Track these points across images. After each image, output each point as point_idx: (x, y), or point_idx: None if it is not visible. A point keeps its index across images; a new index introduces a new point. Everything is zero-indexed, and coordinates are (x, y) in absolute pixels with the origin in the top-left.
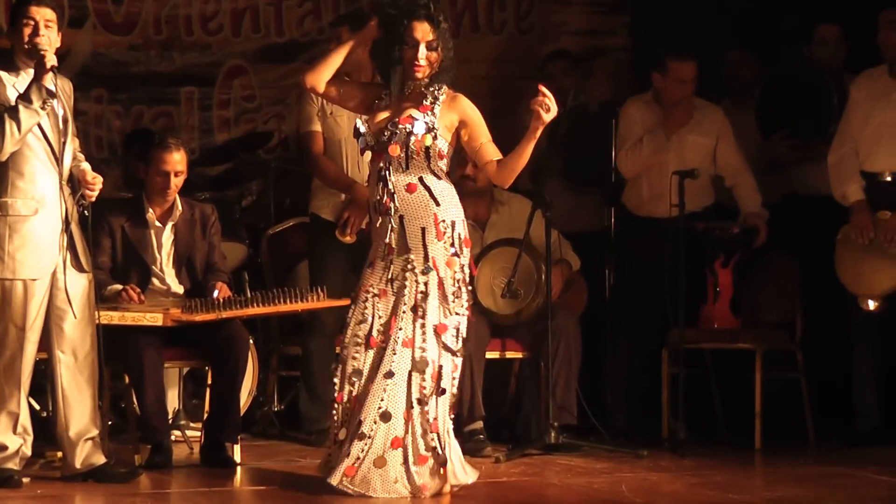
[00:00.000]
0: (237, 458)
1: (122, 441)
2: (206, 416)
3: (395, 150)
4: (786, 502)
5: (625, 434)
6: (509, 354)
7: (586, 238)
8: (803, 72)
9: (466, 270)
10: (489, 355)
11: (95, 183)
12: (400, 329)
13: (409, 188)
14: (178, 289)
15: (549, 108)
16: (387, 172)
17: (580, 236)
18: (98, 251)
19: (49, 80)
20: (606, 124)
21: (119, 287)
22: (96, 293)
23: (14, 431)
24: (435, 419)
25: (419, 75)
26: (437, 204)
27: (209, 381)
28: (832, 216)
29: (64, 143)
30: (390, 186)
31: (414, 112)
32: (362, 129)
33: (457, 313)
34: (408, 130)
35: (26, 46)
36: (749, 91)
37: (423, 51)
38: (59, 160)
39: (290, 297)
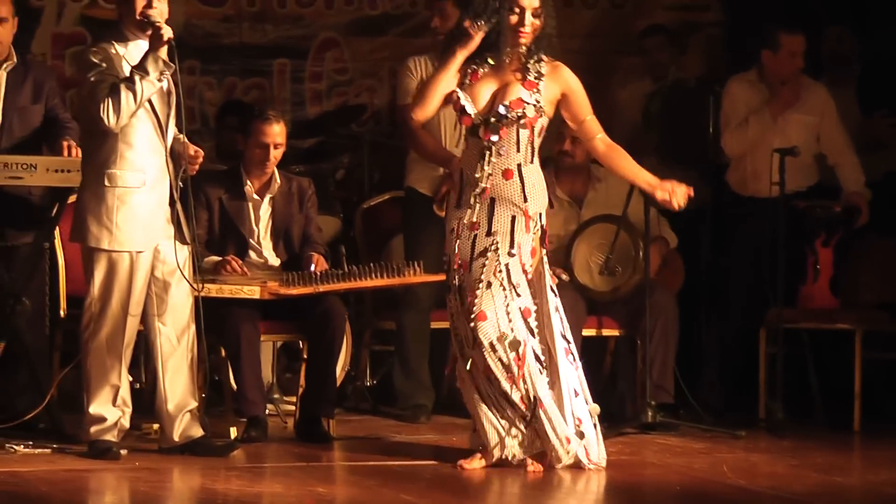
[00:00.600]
0: (332, 433)
1: (216, 414)
2: (301, 390)
3: (505, 132)
4: (888, 485)
5: (718, 413)
6: (606, 332)
7: (680, 215)
8: None
9: (546, 264)
10: (585, 332)
11: (198, 157)
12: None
13: (506, 174)
14: (275, 261)
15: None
16: (488, 152)
17: (674, 213)
18: (195, 223)
19: (164, 52)
20: (703, 101)
21: (217, 258)
22: (194, 265)
23: (114, 403)
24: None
25: (523, 41)
26: (525, 200)
27: (304, 356)
28: None
29: (168, 116)
30: (489, 168)
31: (522, 92)
32: (468, 107)
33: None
34: (518, 115)
35: (138, 17)
36: (848, 68)
37: (528, 17)
38: (164, 133)
39: (387, 272)
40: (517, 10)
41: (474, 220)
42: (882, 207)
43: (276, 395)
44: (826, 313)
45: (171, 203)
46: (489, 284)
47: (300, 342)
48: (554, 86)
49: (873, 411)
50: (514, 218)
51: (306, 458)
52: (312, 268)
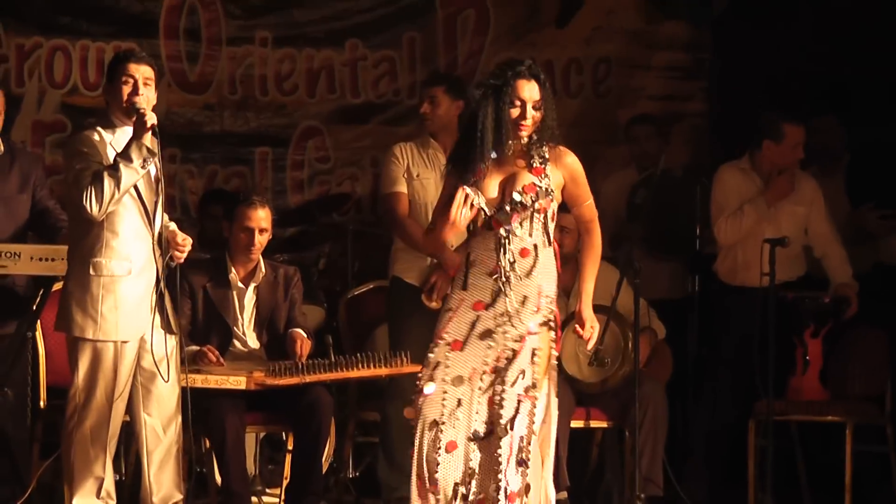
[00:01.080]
0: None
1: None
2: (286, 482)
3: (517, 218)
4: None
5: None
6: (594, 423)
7: (667, 305)
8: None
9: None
10: (573, 424)
11: (185, 244)
12: (479, 388)
13: (523, 252)
14: (260, 351)
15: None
16: (506, 241)
17: (661, 303)
18: (178, 313)
19: (148, 139)
20: (690, 191)
21: (195, 348)
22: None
23: (98, 496)
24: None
25: (524, 133)
26: (528, 278)
27: (289, 447)
28: None
29: (156, 203)
30: (510, 256)
31: (533, 178)
32: (480, 202)
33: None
34: (532, 199)
35: (124, 104)
36: (836, 158)
37: (529, 110)
38: (151, 220)
39: (375, 362)
40: (518, 103)
41: (479, 299)
42: (871, 299)
43: (259, 487)
44: (816, 405)
45: (158, 292)
46: (495, 370)
47: (283, 433)
48: (558, 171)
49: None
50: (525, 298)
51: None
52: (297, 348)
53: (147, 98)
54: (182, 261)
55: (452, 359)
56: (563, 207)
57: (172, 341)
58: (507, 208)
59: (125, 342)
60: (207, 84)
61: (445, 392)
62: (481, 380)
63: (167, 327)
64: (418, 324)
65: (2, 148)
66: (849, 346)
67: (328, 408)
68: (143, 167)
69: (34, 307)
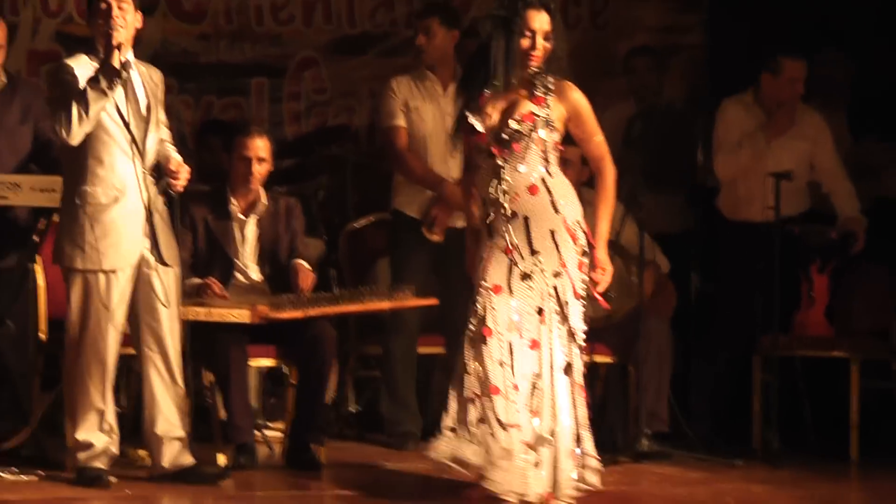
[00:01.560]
0: (322, 460)
1: (203, 440)
2: (291, 416)
3: (518, 148)
4: None
5: (708, 441)
6: (598, 358)
7: (666, 239)
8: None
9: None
10: None
11: (179, 171)
12: (527, 330)
13: (532, 190)
14: (263, 284)
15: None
16: (503, 170)
17: (659, 237)
18: (179, 246)
19: (116, 59)
20: (691, 124)
21: (198, 281)
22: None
23: (101, 429)
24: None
25: (534, 64)
26: (557, 211)
27: (293, 381)
28: None
29: (146, 131)
30: (504, 185)
31: (532, 107)
32: (478, 126)
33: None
34: (531, 128)
35: (101, 29)
36: (839, 92)
37: (539, 40)
38: (141, 149)
39: (378, 295)
40: (528, 33)
41: (511, 244)
42: (873, 234)
43: (261, 421)
44: (822, 341)
45: (150, 220)
46: (539, 310)
47: (285, 367)
48: (561, 105)
49: (868, 440)
50: (553, 232)
51: (297, 485)
52: (300, 280)
53: (123, 20)
54: (180, 190)
55: (497, 303)
56: (568, 140)
57: (170, 273)
58: (505, 136)
59: (113, 271)
60: (203, 13)
61: (500, 335)
62: (529, 322)
63: (160, 258)
64: (420, 257)
65: (4, 79)
66: (854, 281)
67: (332, 342)
68: (109, 88)
69: (35, 238)
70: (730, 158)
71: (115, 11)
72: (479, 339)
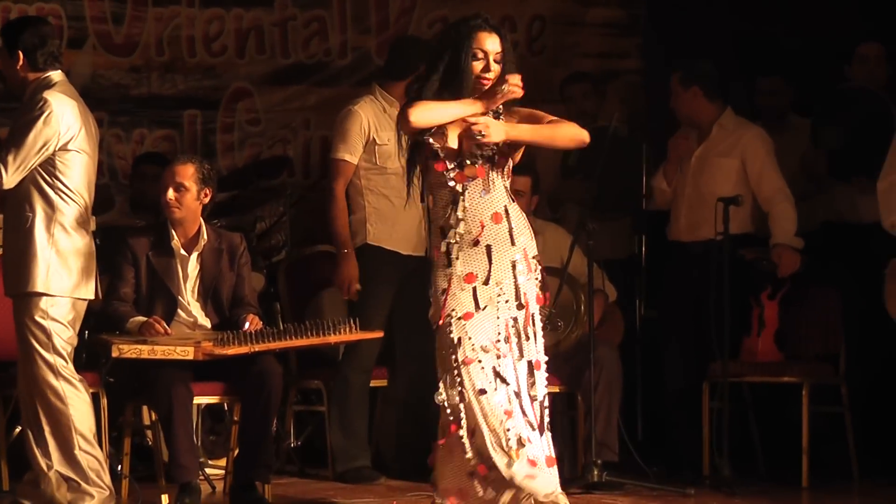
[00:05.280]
0: (268, 497)
1: (141, 479)
2: (234, 453)
3: (482, 172)
4: None
5: (660, 470)
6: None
7: (611, 265)
8: (860, 94)
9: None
10: None
11: None
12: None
13: (495, 218)
14: (205, 322)
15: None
16: (462, 197)
17: (604, 264)
18: (121, 282)
19: None
20: (635, 149)
21: (142, 319)
22: (118, 326)
23: None
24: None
25: (486, 88)
26: (514, 244)
27: (235, 417)
28: (880, 245)
29: None
30: (461, 213)
31: None
32: (436, 145)
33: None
34: (493, 152)
35: None
36: (782, 116)
37: (492, 63)
38: None
39: (324, 329)
40: (480, 55)
41: (469, 271)
42: (823, 257)
43: (202, 459)
44: (772, 366)
45: None
46: (507, 339)
47: (226, 403)
48: (514, 118)
49: (818, 465)
50: (514, 264)
51: None
52: (247, 326)
53: None
54: None
55: (470, 328)
56: (518, 170)
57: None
58: (469, 161)
59: None
60: (134, 46)
61: (480, 361)
62: (498, 349)
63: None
64: (388, 291)
65: None
66: (802, 305)
67: (278, 377)
68: None
69: None
70: (656, 184)
71: None
72: (459, 369)
